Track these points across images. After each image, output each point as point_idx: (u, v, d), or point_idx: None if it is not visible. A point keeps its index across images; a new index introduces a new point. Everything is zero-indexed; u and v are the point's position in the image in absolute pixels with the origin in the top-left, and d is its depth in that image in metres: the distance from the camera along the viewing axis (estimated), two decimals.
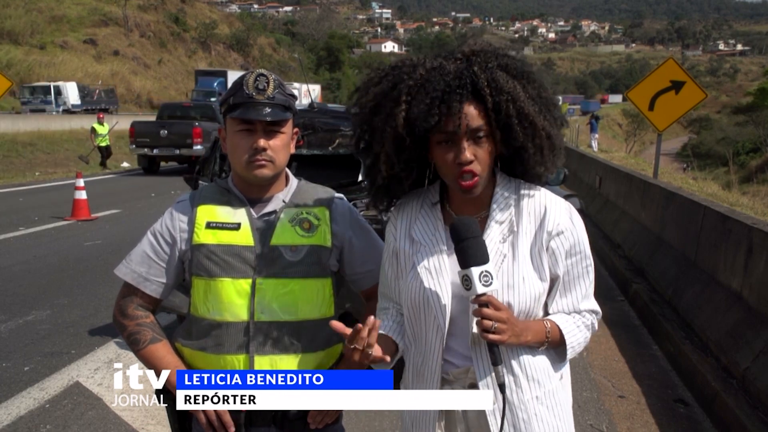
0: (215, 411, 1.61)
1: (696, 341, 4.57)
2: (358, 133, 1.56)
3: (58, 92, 31.80)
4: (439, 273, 1.49)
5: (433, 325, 1.48)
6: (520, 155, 1.47)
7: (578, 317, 1.53)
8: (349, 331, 1.35)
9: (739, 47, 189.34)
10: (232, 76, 41.65)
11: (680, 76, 8.63)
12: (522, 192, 1.52)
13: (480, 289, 1.34)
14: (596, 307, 1.57)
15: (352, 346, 1.35)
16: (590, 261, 1.53)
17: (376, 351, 1.38)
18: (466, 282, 1.36)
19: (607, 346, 5.07)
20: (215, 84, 40.88)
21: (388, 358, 1.44)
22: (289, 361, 1.65)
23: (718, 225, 4.92)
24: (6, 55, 35.50)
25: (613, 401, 4.08)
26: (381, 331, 1.54)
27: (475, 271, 1.34)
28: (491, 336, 1.35)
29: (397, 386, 1.52)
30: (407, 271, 1.55)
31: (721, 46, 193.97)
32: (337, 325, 1.39)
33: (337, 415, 1.74)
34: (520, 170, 1.52)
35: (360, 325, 1.34)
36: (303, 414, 1.67)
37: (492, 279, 1.35)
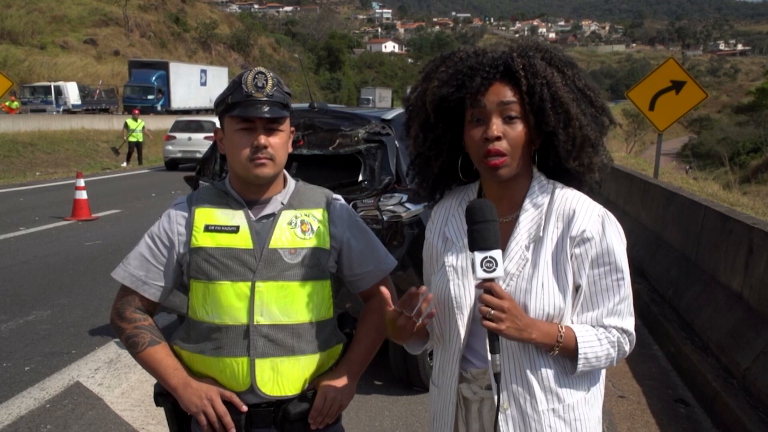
0: (216, 413, 1.61)
1: (696, 341, 4.57)
2: (406, 113, 1.60)
3: (59, 92, 31.76)
4: (464, 273, 1.48)
5: (455, 324, 1.49)
6: (551, 143, 1.45)
7: (602, 331, 1.44)
8: (388, 295, 1.40)
9: (740, 47, 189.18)
10: (175, 69, 36.96)
11: (681, 76, 8.63)
12: (556, 194, 1.47)
13: (480, 273, 1.32)
14: (627, 326, 1.46)
15: (401, 311, 1.39)
16: (622, 275, 1.44)
17: (419, 325, 1.39)
18: (472, 266, 1.35)
19: None
20: (153, 78, 35.54)
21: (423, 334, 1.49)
22: (290, 364, 1.65)
23: (719, 225, 4.92)
24: (6, 55, 35.48)
25: (613, 401, 4.08)
26: None
27: (479, 256, 1.33)
28: (488, 323, 1.33)
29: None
30: (438, 268, 1.56)
31: (722, 46, 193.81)
32: (383, 291, 1.43)
33: (338, 415, 1.74)
34: (554, 162, 1.48)
35: (414, 289, 1.37)
36: (303, 414, 1.67)
37: (496, 266, 1.31)
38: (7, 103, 26.93)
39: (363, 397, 3.91)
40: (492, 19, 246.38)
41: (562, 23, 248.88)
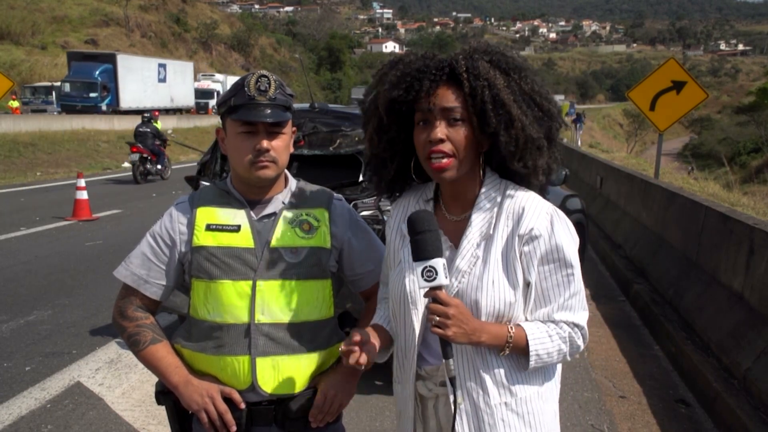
0: (217, 410, 1.62)
1: (697, 341, 4.57)
2: (362, 117, 1.62)
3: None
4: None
5: (410, 320, 1.51)
6: (495, 144, 1.46)
7: (553, 326, 1.46)
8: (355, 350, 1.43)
9: (741, 47, 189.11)
10: (125, 62, 31.71)
11: (681, 76, 8.63)
12: (507, 193, 1.49)
13: (422, 283, 1.35)
14: (578, 320, 1.48)
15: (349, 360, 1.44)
16: (572, 270, 1.46)
17: (363, 359, 1.44)
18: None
19: (609, 346, 5.07)
20: (97, 72, 30.15)
21: (376, 348, 1.49)
22: (291, 362, 1.65)
23: (720, 225, 4.92)
24: (7, 55, 35.51)
25: (614, 401, 4.08)
26: (377, 321, 1.64)
27: (418, 266, 1.36)
28: (436, 330, 1.36)
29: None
30: (395, 266, 1.59)
31: (723, 46, 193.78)
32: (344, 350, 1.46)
33: (338, 413, 1.74)
34: (497, 162, 1.50)
35: (355, 337, 1.43)
36: (304, 412, 1.67)
37: (435, 275, 1.34)
38: (10, 104, 26.95)
39: (363, 397, 3.91)
40: (492, 20, 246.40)
41: (562, 23, 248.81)
